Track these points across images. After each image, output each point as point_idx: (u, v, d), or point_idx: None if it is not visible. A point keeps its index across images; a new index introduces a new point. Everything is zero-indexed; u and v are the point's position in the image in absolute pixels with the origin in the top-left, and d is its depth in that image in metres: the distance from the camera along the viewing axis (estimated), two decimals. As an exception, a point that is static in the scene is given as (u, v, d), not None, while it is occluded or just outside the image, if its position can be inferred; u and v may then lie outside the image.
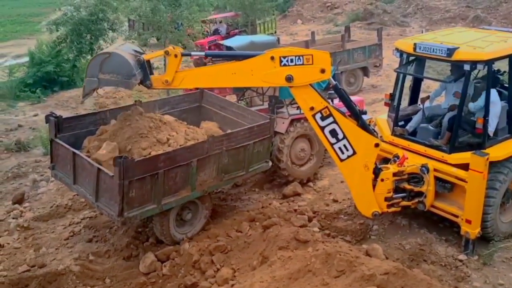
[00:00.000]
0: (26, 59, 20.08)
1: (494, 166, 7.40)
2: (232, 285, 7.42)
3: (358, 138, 7.39)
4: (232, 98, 12.52)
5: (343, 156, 7.44)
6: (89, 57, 19.93)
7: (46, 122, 8.51)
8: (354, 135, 7.38)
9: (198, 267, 7.80)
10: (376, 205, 7.78)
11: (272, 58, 6.89)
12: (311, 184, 10.54)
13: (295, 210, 9.27)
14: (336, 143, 7.38)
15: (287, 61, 6.91)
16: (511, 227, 7.96)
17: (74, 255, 7.94)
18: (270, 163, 9.43)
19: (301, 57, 6.93)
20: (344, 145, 7.38)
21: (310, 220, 8.88)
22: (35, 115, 16.07)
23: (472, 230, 7.42)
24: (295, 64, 6.93)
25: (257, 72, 6.94)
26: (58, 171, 8.49)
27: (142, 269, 7.80)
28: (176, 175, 7.78)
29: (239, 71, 6.98)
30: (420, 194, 7.90)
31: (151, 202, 7.60)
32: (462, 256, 7.51)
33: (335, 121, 7.30)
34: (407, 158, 7.94)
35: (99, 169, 7.38)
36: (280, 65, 6.93)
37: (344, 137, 7.34)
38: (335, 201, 9.73)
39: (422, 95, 9.41)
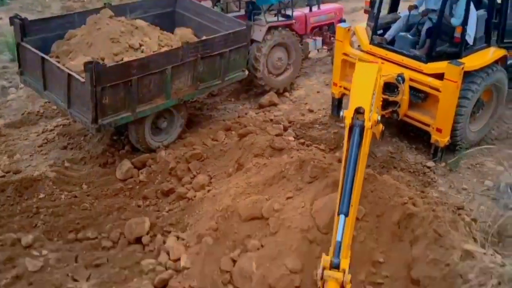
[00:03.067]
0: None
1: (468, 75, 7.47)
2: (208, 190, 7.61)
3: None
4: (208, 3, 12.00)
5: None
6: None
7: (11, 25, 8.08)
8: None
9: (175, 174, 7.93)
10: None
11: None
12: (287, 94, 10.53)
13: (271, 120, 9.32)
14: None
15: None
16: (479, 136, 8.22)
17: (49, 162, 7.93)
18: (247, 72, 9.30)
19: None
20: None
21: (285, 129, 8.97)
22: (-1, 19, 15.22)
23: (441, 139, 7.64)
24: None
25: None
26: (27, 77, 8.21)
27: (119, 175, 7.88)
28: (150, 82, 7.63)
29: None
30: (395, 103, 7.98)
31: (125, 110, 7.51)
32: (430, 163, 7.80)
33: None
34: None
35: (69, 74, 7.16)
36: None
37: None
38: (310, 111, 9.80)
39: (403, 4, 9.20)
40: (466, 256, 5.56)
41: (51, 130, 8.87)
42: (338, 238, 4.97)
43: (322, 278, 4.84)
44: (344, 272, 4.80)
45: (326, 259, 4.86)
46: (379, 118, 6.02)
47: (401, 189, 6.73)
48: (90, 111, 7.08)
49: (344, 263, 4.83)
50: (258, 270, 6.30)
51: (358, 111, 5.66)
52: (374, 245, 6.42)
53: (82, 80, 6.97)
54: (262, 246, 6.61)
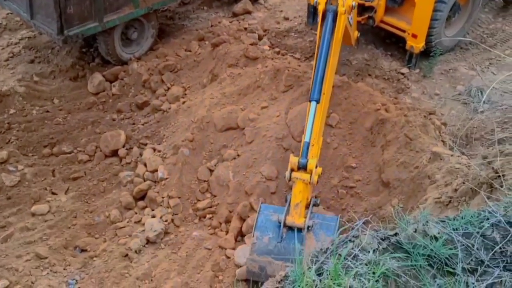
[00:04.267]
0: None
1: (446, -22, 7.28)
2: (183, 102, 7.56)
3: None
4: None
5: None
6: None
7: None
8: None
9: (148, 86, 7.81)
10: (355, 30, 7.59)
11: None
12: (261, 1, 10.13)
13: (245, 29, 9.04)
14: None
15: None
16: (454, 41, 8.18)
17: (17, 76, 7.68)
18: (219, -22, 8.88)
19: None
20: None
21: (260, 38, 8.76)
22: None
23: (416, 45, 7.60)
24: None
25: None
26: (-17, -14, 7.70)
27: (91, 89, 7.74)
28: (117, -11, 7.26)
29: None
30: (371, 9, 7.81)
31: (92, 20, 7.19)
32: (404, 70, 7.81)
33: None
34: None
35: (29, -18, 6.75)
36: None
37: None
38: (286, 19, 9.52)
39: None
40: (434, 158, 5.77)
41: (16, 44, 8.49)
42: (306, 139, 5.07)
43: (290, 179, 5.03)
44: (311, 173, 4.96)
45: (293, 161, 4.99)
46: (354, 4, 5.90)
47: (374, 96, 6.80)
48: (54, 21, 6.78)
49: (311, 164, 4.96)
50: (234, 178, 6.47)
51: None
52: (347, 151, 6.60)
53: (43, -13, 6.60)
54: (238, 155, 6.74)
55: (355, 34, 7.46)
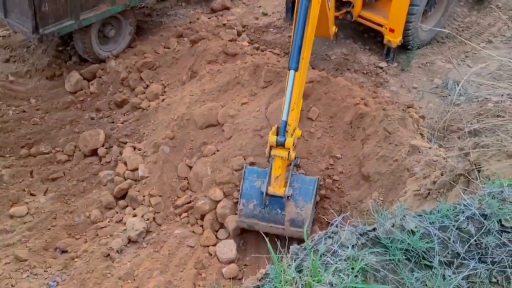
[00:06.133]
0: None
1: (422, -28, 7.36)
2: (163, 99, 7.51)
3: None
4: None
5: None
6: None
7: None
8: None
9: (127, 84, 7.74)
10: (333, 24, 7.61)
11: None
12: (240, -3, 10.12)
13: (224, 25, 9.01)
14: None
15: None
16: (430, 35, 8.27)
17: (-9, 76, 7.56)
18: (196, -26, 8.82)
19: None
20: None
21: (239, 34, 8.74)
22: None
23: (394, 39, 7.67)
24: None
25: None
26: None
27: (68, 88, 7.64)
28: (93, -14, 7.16)
29: None
30: (348, 4, 7.86)
31: (68, 18, 7.09)
32: (383, 64, 7.89)
33: None
34: None
35: (2, -21, 6.61)
36: None
37: None
38: (264, 14, 9.52)
39: None
40: (413, 151, 5.84)
41: (-11, 43, 8.34)
42: (284, 118, 5.19)
43: (269, 156, 5.28)
44: (289, 151, 5.16)
45: (271, 139, 5.13)
46: None
47: (353, 90, 6.85)
48: (29, 19, 6.66)
49: (289, 142, 5.09)
50: (212, 173, 6.43)
51: None
52: (331, 141, 6.63)
53: (17, -15, 6.48)
54: (218, 150, 6.72)
55: (333, 29, 7.50)
